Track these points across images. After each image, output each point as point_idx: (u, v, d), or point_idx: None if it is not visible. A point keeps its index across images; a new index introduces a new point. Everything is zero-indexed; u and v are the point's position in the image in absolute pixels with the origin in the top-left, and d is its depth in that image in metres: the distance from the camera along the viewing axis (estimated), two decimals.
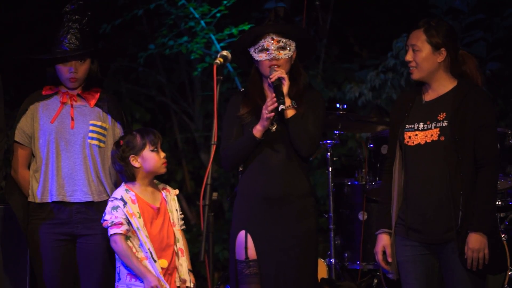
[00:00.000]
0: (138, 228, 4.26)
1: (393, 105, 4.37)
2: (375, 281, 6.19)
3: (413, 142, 4.12)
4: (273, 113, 4.13)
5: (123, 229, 4.26)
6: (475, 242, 3.97)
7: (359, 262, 6.40)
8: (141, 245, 4.27)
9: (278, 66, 4.21)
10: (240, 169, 5.61)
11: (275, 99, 4.12)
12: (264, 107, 4.16)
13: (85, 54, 4.49)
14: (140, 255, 4.28)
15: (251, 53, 4.26)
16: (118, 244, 4.26)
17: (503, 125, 7.27)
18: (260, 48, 4.23)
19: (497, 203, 5.85)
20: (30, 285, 4.86)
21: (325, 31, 8.46)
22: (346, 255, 6.48)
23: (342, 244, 6.51)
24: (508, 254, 5.39)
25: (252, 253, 4.20)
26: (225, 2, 7.92)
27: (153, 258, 4.26)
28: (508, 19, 7.60)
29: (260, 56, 4.23)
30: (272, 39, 4.22)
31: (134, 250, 4.28)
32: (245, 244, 4.19)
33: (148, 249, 4.26)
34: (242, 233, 4.22)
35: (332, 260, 6.20)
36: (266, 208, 4.21)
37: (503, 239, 5.43)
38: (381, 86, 7.89)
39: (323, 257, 6.11)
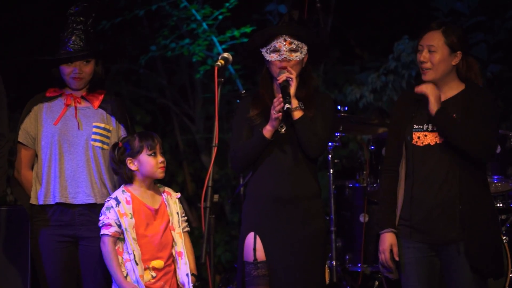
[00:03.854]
0: (126, 229, 4.27)
1: (395, 105, 4.37)
2: (377, 283, 6.19)
3: (422, 143, 4.13)
4: (280, 113, 4.14)
5: (111, 230, 4.27)
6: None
7: (360, 264, 6.41)
8: (127, 247, 4.28)
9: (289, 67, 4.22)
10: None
11: (281, 99, 4.13)
12: (272, 107, 4.17)
13: (89, 54, 4.49)
14: (125, 256, 4.29)
15: (262, 53, 4.26)
16: (105, 245, 4.28)
17: (504, 127, 7.28)
18: (272, 48, 4.23)
19: (498, 205, 5.86)
20: (31, 286, 4.86)
21: (326, 33, 8.47)
22: (347, 257, 6.48)
23: (343, 246, 6.51)
24: (510, 256, 5.39)
25: (260, 254, 4.20)
26: (227, 4, 7.93)
27: (135, 261, 4.26)
28: (509, 21, 7.60)
29: (272, 57, 4.23)
30: (285, 40, 4.22)
31: (120, 250, 4.29)
32: (254, 246, 4.20)
33: (133, 251, 4.26)
34: (251, 234, 4.22)
35: (333, 263, 6.20)
36: (275, 209, 4.21)
37: (504, 241, 5.43)
38: (382, 88, 7.89)
39: None
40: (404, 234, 4.14)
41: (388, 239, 4.18)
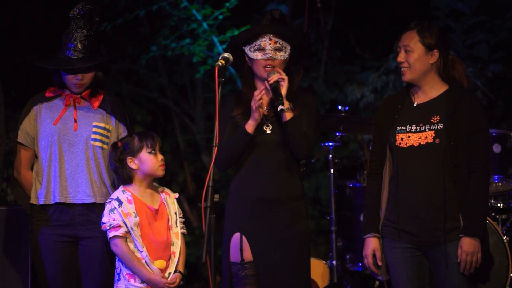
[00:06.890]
0: (132, 228, 4.26)
1: (378, 109, 4.35)
2: (377, 283, 6.19)
3: (405, 144, 4.10)
4: (261, 101, 4.12)
5: (121, 231, 4.26)
6: (469, 245, 3.95)
7: (360, 264, 6.40)
8: (136, 245, 4.27)
9: (273, 67, 4.20)
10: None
11: (263, 92, 4.12)
12: (252, 100, 4.15)
13: (91, 67, 4.48)
14: (137, 255, 4.28)
15: (246, 51, 4.25)
16: (119, 247, 4.26)
17: (505, 127, 7.27)
18: (256, 47, 4.22)
19: (499, 205, 5.85)
20: (31, 286, 4.86)
21: (326, 33, 8.47)
22: (347, 257, 6.48)
23: (343, 246, 6.51)
24: (510, 256, 5.39)
25: (247, 255, 4.19)
26: (227, 4, 7.93)
27: (149, 257, 4.26)
28: (510, 21, 7.58)
29: (256, 55, 4.21)
30: (270, 39, 4.21)
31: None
32: (240, 247, 4.19)
33: (143, 247, 4.26)
34: (237, 235, 4.22)
35: (334, 262, 6.20)
36: (261, 209, 4.20)
37: (505, 241, 5.44)
38: (383, 88, 7.88)
39: (324, 259, 6.11)
40: (391, 235, 4.11)
41: (370, 244, 4.16)
